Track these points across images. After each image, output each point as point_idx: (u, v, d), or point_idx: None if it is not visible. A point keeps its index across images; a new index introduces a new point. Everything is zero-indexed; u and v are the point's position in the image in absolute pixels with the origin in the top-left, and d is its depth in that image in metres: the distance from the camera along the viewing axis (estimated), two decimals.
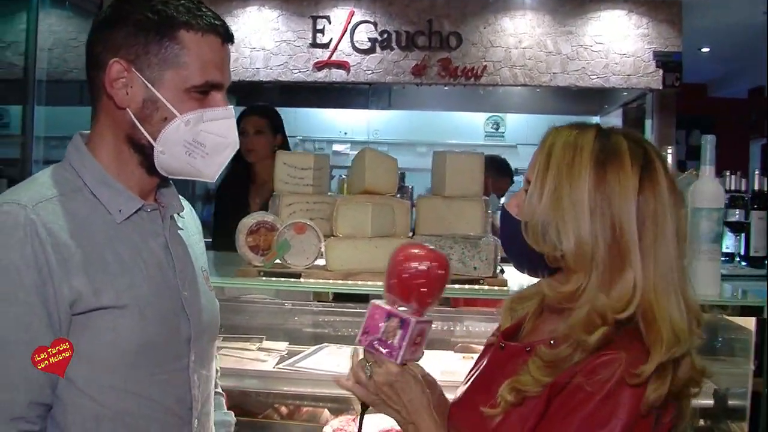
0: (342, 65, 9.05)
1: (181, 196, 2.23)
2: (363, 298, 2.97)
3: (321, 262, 3.29)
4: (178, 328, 2.01)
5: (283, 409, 3.70)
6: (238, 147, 2.02)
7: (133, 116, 1.91)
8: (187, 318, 2.03)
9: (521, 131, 11.28)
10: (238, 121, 3.65)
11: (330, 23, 9.05)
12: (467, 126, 11.61)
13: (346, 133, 11.66)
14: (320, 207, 3.49)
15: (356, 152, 3.57)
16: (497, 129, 11.83)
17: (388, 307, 1.92)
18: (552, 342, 1.84)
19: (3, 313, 1.78)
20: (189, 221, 2.25)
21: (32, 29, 7.12)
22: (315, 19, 9.06)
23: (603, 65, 8.73)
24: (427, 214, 3.52)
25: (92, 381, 1.88)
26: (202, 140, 1.94)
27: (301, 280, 3.17)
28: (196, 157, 1.95)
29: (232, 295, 3.64)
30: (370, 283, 3.09)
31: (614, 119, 10.04)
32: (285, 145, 5.23)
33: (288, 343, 3.75)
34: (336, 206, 3.30)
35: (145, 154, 1.95)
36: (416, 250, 1.94)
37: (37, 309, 1.79)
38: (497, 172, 7.44)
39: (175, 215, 2.14)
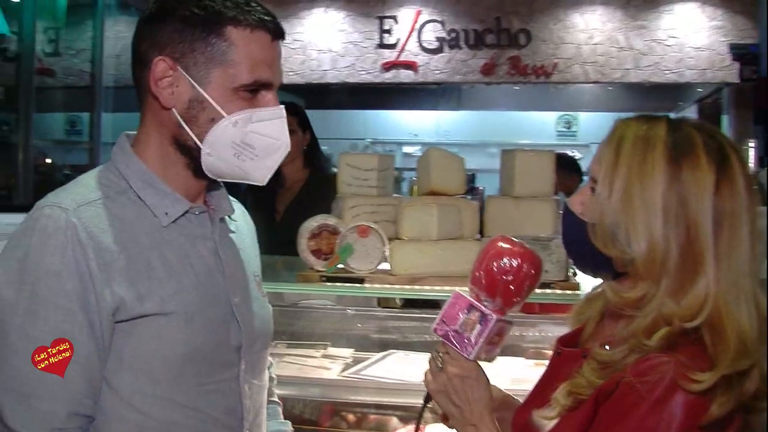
0: (410, 66, 8.99)
1: (233, 199, 2.14)
2: (429, 304, 2.85)
3: (385, 266, 3.18)
4: (228, 336, 1.92)
5: (351, 417, 3.60)
6: (289, 149, 1.91)
7: (178, 117, 1.82)
8: (238, 325, 1.94)
9: (594, 130, 11.04)
10: None
11: (397, 23, 8.99)
12: (538, 125, 11.48)
13: (416, 135, 11.59)
14: (385, 209, 3.38)
15: None
16: (569, 128, 11.67)
17: (470, 298, 1.84)
18: (607, 346, 1.72)
19: (43, 321, 1.70)
20: (241, 224, 2.16)
21: (98, 36, 7.15)
22: (382, 19, 9.01)
23: (677, 60, 8.51)
24: (495, 215, 3.40)
25: (136, 391, 1.79)
26: (251, 142, 1.84)
27: (365, 285, 3.07)
28: (245, 160, 1.85)
29: (292, 300, 3.55)
30: (436, 288, 2.98)
31: (689, 116, 9.81)
32: (314, 143, 5.02)
33: (353, 350, 3.65)
34: (400, 208, 3.19)
35: (191, 156, 1.86)
36: (510, 245, 1.85)
37: (78, 316, 1.71)
38: (565, 169, 7.26)
39: (227, 218, 2.05)
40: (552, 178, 3.42)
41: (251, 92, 1.83)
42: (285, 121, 1.88)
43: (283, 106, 1.88)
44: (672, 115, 1.84)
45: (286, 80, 8.09)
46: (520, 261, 1.81)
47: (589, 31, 8.71)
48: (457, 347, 1.82)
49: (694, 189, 1.64)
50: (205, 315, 1.85)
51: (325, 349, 3.62)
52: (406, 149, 11.57)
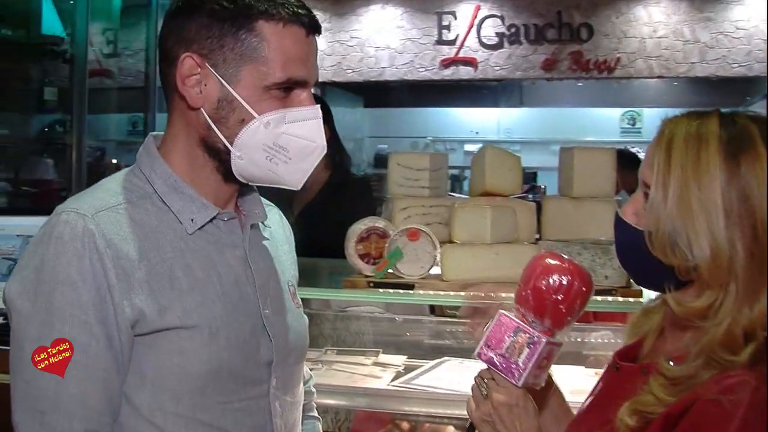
0: (469, 62, 8.87)
1: (269, 203, 2.04)
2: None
3: (436, 270, 3.04)
4: (257, 351, 1.80)
5: (405, 425, 3.47)
6: (325, 151, 1.79)
7: (207, 117, 1.71)
8: (269, 339, 1.82)
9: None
10: None
11: (456, 19, 8.87)
12: (602, 122, 11.28)
13: (477, 133, 11.46)
14: (437, 211, 3.27)
15: None
16: (633, 124, 11.45)
17: (517, 320, 1.73)
18: (671, 362, 1.60)
19: (58, 333, 1.60)
20: (277, 230, 2.05)
21: (152, 36, 7.13)
22: (440, 15, 8.90)
23: (746, 52, 8.26)
24: (553, 217, 3.27)
25: (158, 408, 1.68)
26: (285, 144, 1.73)
27: (416, 291, 2.95)
28: (278, 163, 1.74)
29: (339, 305, 3.43)
30: (493, 294, 2.83)
31: (759, 111, 9.51)
32: (336, 141, 4.48)
33: (405, 356, 3.51)
34: (453, 210, 3.06)
35: (221, 159, 1.75)
36: (558, 262, 1.75)
37: (95, 329, 1.61)
38: (625, 166, 7.05)
39: (260, 224, 1.93)
40: (613, 177, 3.29)
41: (284, 91, 1.72)
42: (321, 121, 1.77)
43: (318, 106, 1.76)
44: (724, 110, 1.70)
45: (344, 78, 8.09)
46: (570, 278, 1.71)
47: (653, 24, 8.48)
48: (503, 373, 1.71)
49: (755, 184, 1.54)
50: (231, 328, 1.74)
51: (376, 356, 3.50)
52: (468, 147, 11.42)
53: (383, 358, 3.50)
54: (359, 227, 3.11)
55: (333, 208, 3.51)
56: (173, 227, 1.74)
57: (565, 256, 1.78)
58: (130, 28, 7.85)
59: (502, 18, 8.82)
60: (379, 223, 3.13)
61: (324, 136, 1.78)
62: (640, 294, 2.88)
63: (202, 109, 1.71)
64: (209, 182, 1.78)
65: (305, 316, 2.04)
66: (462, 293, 2.90)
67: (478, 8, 8.84)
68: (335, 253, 3.22)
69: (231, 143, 1.71)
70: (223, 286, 1.75)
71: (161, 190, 1.75)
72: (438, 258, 3.04)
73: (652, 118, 11.12)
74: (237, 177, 1.77)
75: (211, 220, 1.78)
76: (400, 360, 3.48)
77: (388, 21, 8.98)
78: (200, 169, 1.78)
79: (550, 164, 9.11)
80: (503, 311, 1.75)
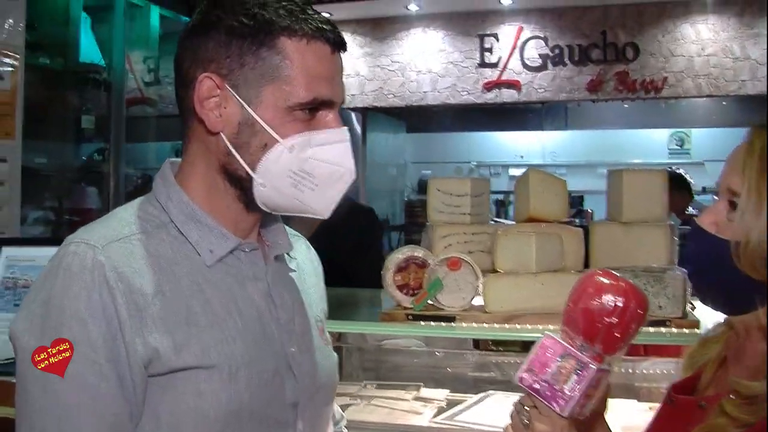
0: (513, 84, 8.76)
1: (296, 233, 1.94)
2: (528, 345, 2.56)
3: (479, 301, 2.92)
4: (282, 392, 1.68)
5: None
6: (354, 176, 1.67)
7: (227, 142, 1.60)
8: (294, 379, 1.70)
9: (708, 147, 10.64)
10: None
11: (498, 41, 8.79)
12: (649, 144, 11.14)
13: (522, 157, 11.36)
14: (480, 238, 3.16)
15: None
16: (682, 145, 11.28)
17: (565, 343, 1.59)
18: (732, 395, 1.51)
19: (67, 372, 1.48)
20: (304, 261, 1.94)
21: None
22: (482, 37, 8.82)
23: None
24: (602, 243, 3.15)
25: None
26: (311, 169, 1.61)
27: (457, 324, 2.84)
28: (303, 190, 1.62)
29: (375, 338, 3.32)
30: (538, 327, 2.71)
31: None
32: None
33: (448, 391, 3.39)
34: (495, 237, 2.93)
35: (242, 187, 1.64)
36: (612, 281, 1.61)
37: (105, 369, 1.49)
38: (673, 188, 6.88)
39: (286, 255, 1.82)
40: (664, 200, 3.19)
41: (309, 112, 1.60)
42: (349, 144, 1.66)
43: (346, 128, 1.64)
44: None
45: (385, 103, 8.01)
46: (624, 299, 1.57)
47: (701, 41, 8.31)
48: (546, 401, 1.56)
49: None
50: (253, 368, 1.62)
51: (417, 390, 3.40)
52: (513, 171, 11.33)
53: (425, 392, 3.41)
54: (397, 256, 3.00)
55: (338, 239, 3.37)
56: (191, 259, 1.63)
57: (618, 275, 1.64)
58: (170, 56, 7.82)
59: (545, 39, 8.71)
60: (418, 252, 3.01)
61: (353, 160, 1.66)
62: (696, 325, 2.74)
63: (221, 133, 1.60)
64: (230, 211, 1.67)
65: (334, 354, 1.92)
66: (506, 326, 2.78)
67: (520, 30, 8.74)
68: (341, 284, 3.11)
69: (253, 170, 1.60)
70: (245, 322, 1.63)
71: (178, 220, 1.65)
72: (480, 288, 2.91)
73: (701, 138, 10.96)
74: (260, 206, 1.65)
75: (231, 252, 1.67)
76: (442, 394, 3.38)
77: (429, 44, 8.91)
78: (220, 197, 1.66)
79: (596, 187, 9.06)
80: (549, 332, 1.62)
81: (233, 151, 1.60)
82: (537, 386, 1.57)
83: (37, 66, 5.87)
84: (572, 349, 1.57)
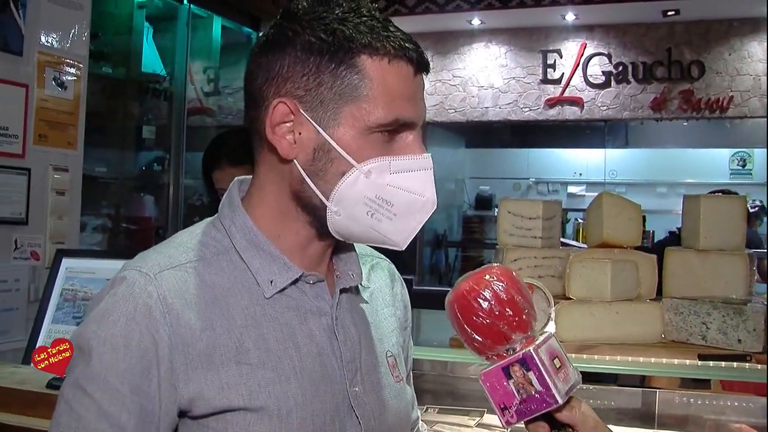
0: (575, 101, 8.65)
1: (381, 256, 1.83)
2: (601, 377, 2.46)
3: (550, 328, 2.80)
4: None
5: None
6: (435, 207, 1.55)
7: (301, 170, 1.50)
8: (357, 422, 1.57)
9: None
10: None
11: (561, 57, 8.69)
12: (710, 163, 10.91)
13: (581, 174, 11.21)
14: (551, 263, 3.05)
15: (592, 194, 3.12)
16: (744, 165, 11.03)
17: (496, 363, 1.49)
18: None
19: (88, 398, 1.41)
20: (381, 290, 1.80)
21: None
22: (545, 53, 8.72)
23: None
24: (676, 272, 3.04)
25: None
26: (389, 197, 1.49)
27: None
28: (380, 219, 1.50)
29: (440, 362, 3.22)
30: (609, 358, 2.61)
31: None
32: None
33: None
34: (568, 263, 2.83)
35: (316, 215, 1.53)
36: (465, 288, 1.50)
37: (127, 401, 1.41)
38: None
39: (362, 285, 1.71)
40: (743, 227, 3.05)
41: (389, 134, 1.48)
42: (431, 173, 1.52)
43: (429, 155, 1.51)
44: None
45: (446, 118, 7.95)
46: (485, 290, 1.47)
47: None
48: (542, 409, 1.48)
49: None
50: (307, 409, 1.50)
51: (480, 417, 3.27)
52: (571, 189, 11.18)
53: (488, 418, 3.28)
54: None
55: None
56: (249, 290, 1.53)
57: (465, 277, 1.54)
58: (231, 67, 7.82)
59: (608, 56, 8.59)
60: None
61: (434, 189, 1.55)
62: None
63: (295, 160, 1.50)
64: (299, 237, 1.56)
65: (408, 390, 1.78)
66: (580, 356, 2.68)
67: (584, 46, 8.62)
68: None
69: (327, 198, 1.48)
70: (302, 360, 1.51)
71: (240, 246, 1.55)
72: (552, 315, 2.79)
73: (764, 158, 10.72)
74: (334, 234, 1.54)
75: (293, 283, 1.56)
76: None
77: (491, 60, 8.83)
78: (291, 223, 1.56)
79: (656, 207, 8.91)
80: (481, 371, 1.51)
81: (307, 178, 1.49)
82: (525, 411, 1.48)
83: (100, 75, 5.88)
84: (505, 360, 1.48)
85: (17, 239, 3.90)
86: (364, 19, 1.49)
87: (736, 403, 3.01)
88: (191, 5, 6.60)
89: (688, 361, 2.75)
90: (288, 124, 1.48)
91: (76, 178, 4.23)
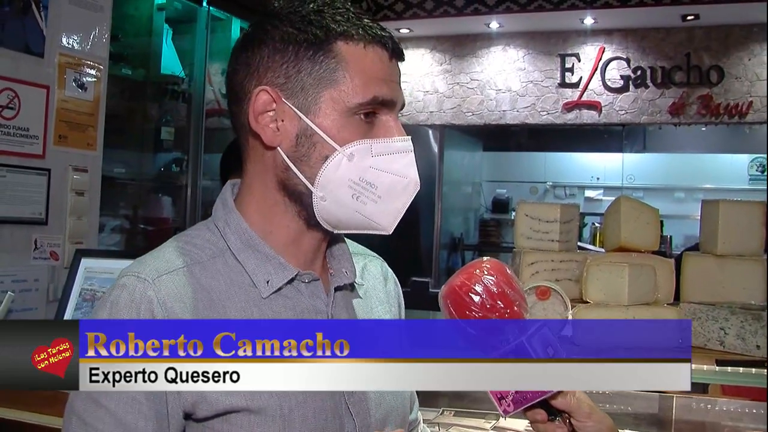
0: (593, 105, 8.61)
1: (373, 254, 1.86)
2: None
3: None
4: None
5: None
6: (419, 187, 1.59)
7: (285, 157, 1.53)
8: (353, 419, 1.59)
9: None
10: None
11: (579, 61, 8.64)
12: (729, 168, 10.86)
13: (598, 179, 11.19)
14: (568, 266, 3.06)
15: (609, 199, 3.13)
16: (763, 171, 10.97)
17: None
18: None
19: (103, 409, 1.43)
20: (374, 286, 1.82)
21: None
22: (563, 57, 8.68)
23: None
24: (694, 276, 3.04)
25: None
26: (372, 179, 1.53)
27: None
28: (365, 202, 1.53)
29: None
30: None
31: None
32: None
33: (528, 422, 3.27)
34: (586, 266, 2.83)
35: (303, 202, 1.56)
36: (456, 283, 1.58)
37: (143, 407, 1.43)
38: None
39: (356, 283, 1.73)
40: (762, 233, 3.04)
41: (368, 116, 1.52)
42: (412, 155, 1.56)
43: (409, 138, 1.56)
44: None
45: (463, 121, 7.92)
46: (481, 285, 1.55)
47: None
48: (537, 398, 1.54)
49: None
50: (308, 408, 1.52)
51: (496, 420, 3.28)
52: (588, 193, 11.16)
53: (504, 422, 3.29)
54: None
55: None
56: (246, 291, 1.55)
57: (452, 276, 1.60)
58: None
59: (627, 60, 8.55)
60: None
61: (417, 170, 1.57)
62: None
63: (279, 148, 1.54)
64: (290, 231, 1.59)
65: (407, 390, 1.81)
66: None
67: (602, 50, 8.59)
68: None
69: (312, 183, 1.52)
70: None
71: (235, 247, 1.58)
72: (570, 320, 2.79)
73: None
74: (321, 223, 1.57)
75: (289, 282, 1.58)
76: (522, 425, 3.26)
77: (509, 63, 8.80)
78: (280, 216, 1.59)
79: (674, 212, 8.88)
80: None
81: (291, 165, 1.53)
82: (521, 400, 1.55)
83: (119, 77, 5.91)
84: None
85: (37, 239, 3.93)
86: (339, 10, 1.54)
87: (754, 410, 3.00)
88: (210, 7, 6.64)
89: (705, 367, 2.74)
90: (270, 113, 1.53)
91: (95, 178, 4.27)
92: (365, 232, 1.59)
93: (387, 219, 1.56)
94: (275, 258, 1.56)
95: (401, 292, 1.93)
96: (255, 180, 1.59)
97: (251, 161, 1.60)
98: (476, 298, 1.52)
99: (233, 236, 1.58)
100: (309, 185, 1.52)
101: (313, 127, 1.50)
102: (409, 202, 1.58)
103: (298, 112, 1.50)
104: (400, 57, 1.59)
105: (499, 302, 1.52)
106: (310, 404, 1.52)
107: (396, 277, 1.93)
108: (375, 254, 1.88)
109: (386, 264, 1.91)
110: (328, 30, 1.51)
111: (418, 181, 1.57)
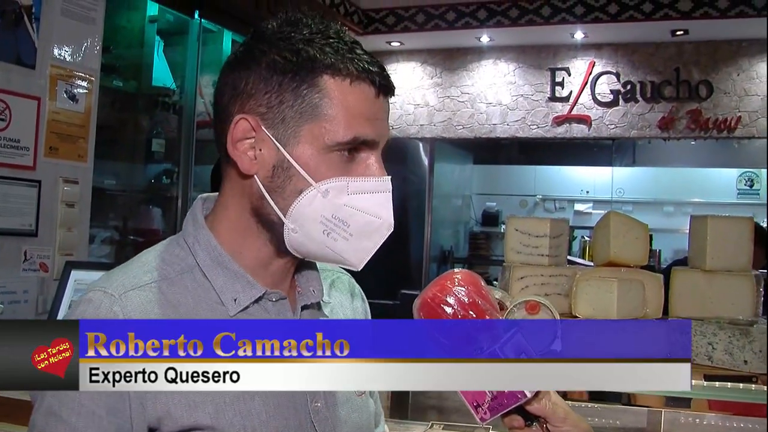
0: (583, 119, 8.64)
1: (341, 270, 1.84)
2: (606, 396, 2.47)
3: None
4: None
5: None
6: (392, 229, 1.56)
7: (261, 186, 1.52)
8: None
9: None
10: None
11: (569, 75, 8.68)
12: (717, 183, 10.89)
13: (588, 192, 11.20)
14: (557, 281, 3.06)
15: (599, 212, 3.14)
16: (751, 186, 11.00)
17: None
18: None
19: (63, 423, 1.42)
20: (341, 304, 1.82)
21: None
22: (553, 71, 8.72)
23: None
24: (682, 291, 3.05)
25: None
26: (345, 217, 1.51)
27: None
28: (336, 239, 1.52)
29: None
30: None
31: None
32: None
33: None
34: (575, 281, 2.84)
35: (274, 231, 1.55)
36: (428, 295, 1.60)
37: (104, 422, 1.41)
38: (756, 242, 6.65)
39: (323, 302, 1.72)
40: (750, 248, 3.06)
41: (348, 153, 1.50)
42: (389, 195, 1.54)
43: (389, 177, 1.53)
44: None
45: (454, 135, 7.94)
46: (453, 297, 1.57)
47: None
48: (512, 404, 1.54)
49: None
50: (271, 427, 1.52)
51: None
52: (578, 207, 11.18)
53: None
54: None
55: None
56: (213, 308, 1.54)
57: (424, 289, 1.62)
58: None
59: (617, 75, 8.58)
60: (496, 293, 2.91)
61: (392, 211, 1.55)
62: None
63: (255, 176, 1.52)
64: (261, 254, 1.58)
65: (369, 403, 1.79)
66: None
67: (592, 64, 8.63)
68: None
69: (285, 215, 1.51)
70: None
71: (204, 264, 1.57)
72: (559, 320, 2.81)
73: None
74: (291, 252, 1.56)
75: (257, 301, 1.58)
76: None
77: (500, 77, 8.83)
78: (252, 240, 1.58)
79: (663, 226, 8.89)
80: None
81: (266, 195, 1.51)
82: (497, 407, 1.54)
83: (111, 88, 5.90)
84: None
85: (26, 251, 3.92)
86: (331, 40, 1.51)
87: (741, 425, 3.01)
88: (202, 20, 6.63)
89: (693, 382, 2.75)
90: (249, 141, 1.51)
91: (85, 190, 4.26)
92: (334, 265, 1.60)
93: (357, 257, 1.55)
94: (244, 276, 1.56)
95: (368, 308, 1.92)
96: (230, 201, 1.58)
97: (228, 181, 1.58)
98: (448, 310, 1.53)
99: (203, 253, 1.57)
100: (281, 216, 1.51)
101: (290, 159, 1.48)
102: (381, 242, 1.57)
103: (277, 144, 1.48)
104: (389, 93, 1.56)
105: (471, 312, 1.54)
106: (274, 423, 1.52)
107: (363, 294, 1.92)
108: (343, 271, 1.85)
109: (353, 280, 1.90)
110: (315, 62, 1.48)
111: (392, 222, 1.55)
